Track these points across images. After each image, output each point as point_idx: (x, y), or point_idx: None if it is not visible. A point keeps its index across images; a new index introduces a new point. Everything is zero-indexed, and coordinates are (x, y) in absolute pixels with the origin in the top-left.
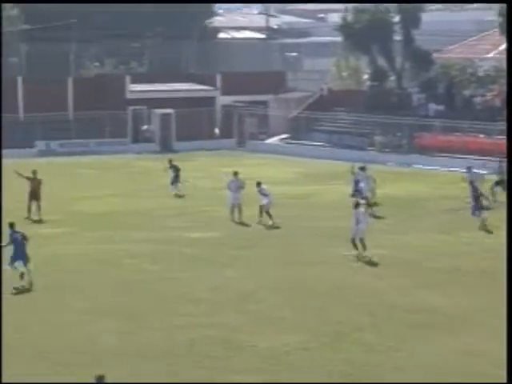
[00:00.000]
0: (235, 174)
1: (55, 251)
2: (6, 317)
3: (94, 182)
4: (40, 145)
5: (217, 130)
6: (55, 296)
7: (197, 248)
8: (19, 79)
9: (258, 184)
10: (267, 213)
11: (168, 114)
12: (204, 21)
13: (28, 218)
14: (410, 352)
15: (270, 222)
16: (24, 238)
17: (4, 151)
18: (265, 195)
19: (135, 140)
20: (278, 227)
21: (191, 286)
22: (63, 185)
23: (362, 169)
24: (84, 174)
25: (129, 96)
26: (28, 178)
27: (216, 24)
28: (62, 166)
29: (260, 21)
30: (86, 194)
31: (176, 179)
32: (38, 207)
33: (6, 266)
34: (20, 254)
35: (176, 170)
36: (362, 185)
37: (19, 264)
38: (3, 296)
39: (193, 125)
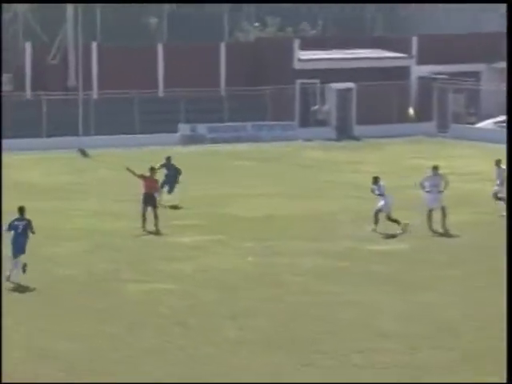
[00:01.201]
0: (435, 168)
1: (200, 265)
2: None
3: (251, 177)
4: (183, 129)
5: (411, 111)
6: (202, 321)
7: (383, 264)
8: (159, 47)
9: (375, 180)
10: (389, 219)
11: (347, 90)
12: None
13: (143, 227)
14: None
15: (399, 231)
16: (28, 227)
17: (140, 136)
18: (382, 195)
19: (304, 123)
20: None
21: (376, 314)
22: (210, 180)
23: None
24: (238, 166)
25: (297, 66)
26: (142, 177)
27: None
28: (210, 155)
29: None
30: (239, 192)
31: (170, 182)
32: (155, 216)
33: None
34: (16, 245)
35: (174, 171)
36: None
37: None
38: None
39: (380, 103)
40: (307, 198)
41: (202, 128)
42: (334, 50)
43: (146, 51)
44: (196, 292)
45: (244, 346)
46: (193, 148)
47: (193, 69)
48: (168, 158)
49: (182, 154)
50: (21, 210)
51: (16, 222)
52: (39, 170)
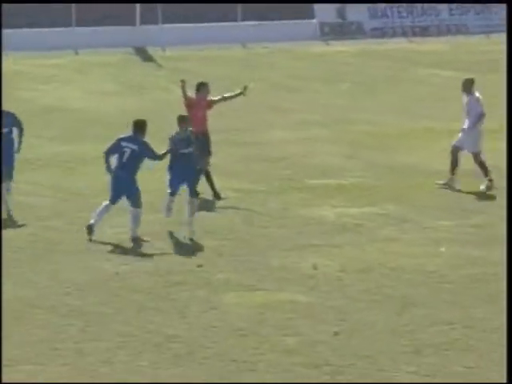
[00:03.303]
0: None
1: (353, 261)
2: None
3: (447, 100)
4: (323, 12)
5: None
6: (357, 362)
7: None
8: None
9: (468, 85)
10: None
11: None
12: None
13: (214, 194)
14: None
15: (482, 186)
16: (142, 155)
17: (245, 25)
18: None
19: None
20: None
21: None
22: (372, 104)
23: None
24: (423, 79)
25: None
26: (187, 102)
27: None
28: (370, 59)
29: None
30: (426, 125)
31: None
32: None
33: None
34: (118, 184)
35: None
36: None
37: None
38: None
39: None
40: None
41: (356, 11)
42: None
43: None
44: (345, 308)
45: None
46: (340, 46)
47: None
48: (182, 119)
49: (320, 56)
50: (139, 124)
51: (124, 143)
52: (70, 87)
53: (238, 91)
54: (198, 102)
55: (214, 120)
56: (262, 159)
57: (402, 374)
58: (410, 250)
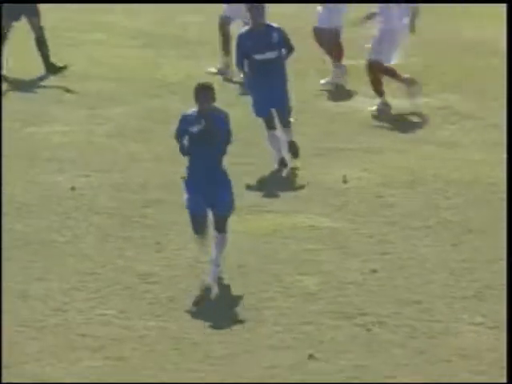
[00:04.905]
0: None
1: (424, 167)
2: None
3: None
4: None
5: None
6: None
7: None
8: None
9: None
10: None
11: None
12: None
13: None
14: None
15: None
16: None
17: None
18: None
19: None
20: None
21: None
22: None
23: None
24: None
25: None
26: None
27: None
28: None
29: None
30: None
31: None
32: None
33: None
34: (200, 182)
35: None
36: None
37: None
38: None
39: None
40: None
41: None
42: None
43: None
44: (385, 237)
45: None
46: None
47: None
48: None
49: None
50: (204, 89)
51: (190, 127)
52: None
53: None
54: None
55: None
56: None
57: (462, 324)
58: (475, 156)
